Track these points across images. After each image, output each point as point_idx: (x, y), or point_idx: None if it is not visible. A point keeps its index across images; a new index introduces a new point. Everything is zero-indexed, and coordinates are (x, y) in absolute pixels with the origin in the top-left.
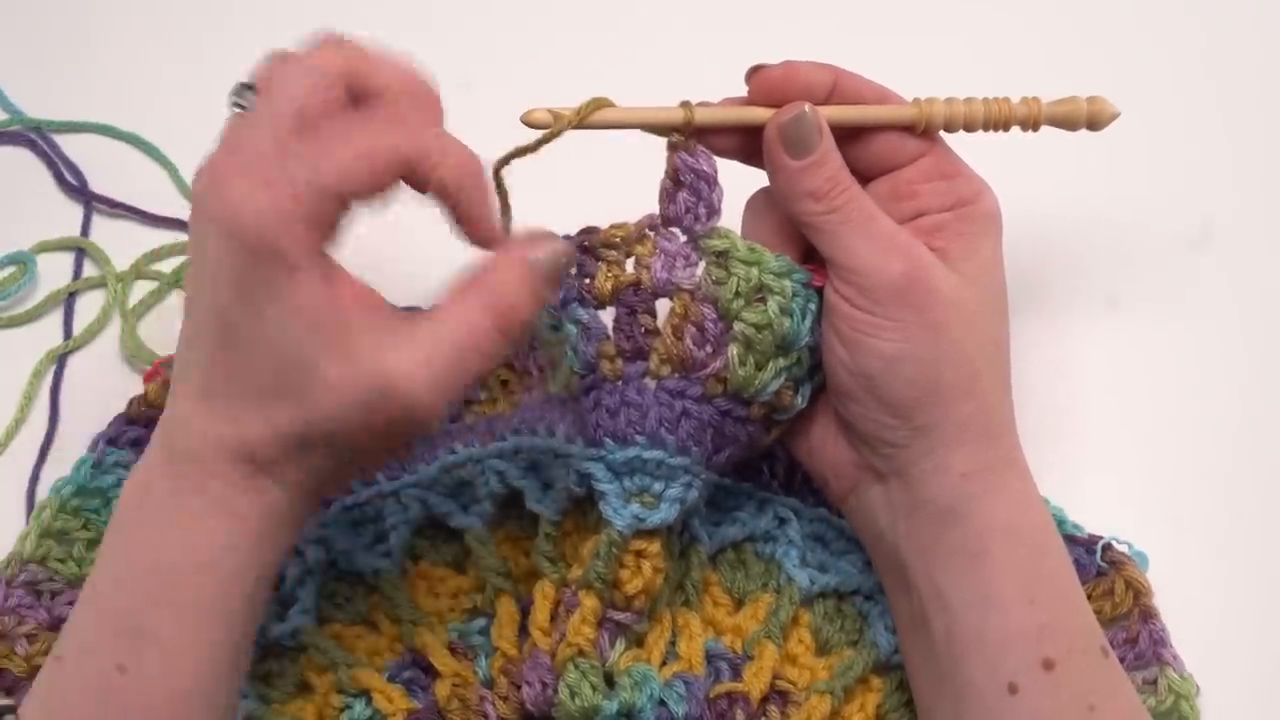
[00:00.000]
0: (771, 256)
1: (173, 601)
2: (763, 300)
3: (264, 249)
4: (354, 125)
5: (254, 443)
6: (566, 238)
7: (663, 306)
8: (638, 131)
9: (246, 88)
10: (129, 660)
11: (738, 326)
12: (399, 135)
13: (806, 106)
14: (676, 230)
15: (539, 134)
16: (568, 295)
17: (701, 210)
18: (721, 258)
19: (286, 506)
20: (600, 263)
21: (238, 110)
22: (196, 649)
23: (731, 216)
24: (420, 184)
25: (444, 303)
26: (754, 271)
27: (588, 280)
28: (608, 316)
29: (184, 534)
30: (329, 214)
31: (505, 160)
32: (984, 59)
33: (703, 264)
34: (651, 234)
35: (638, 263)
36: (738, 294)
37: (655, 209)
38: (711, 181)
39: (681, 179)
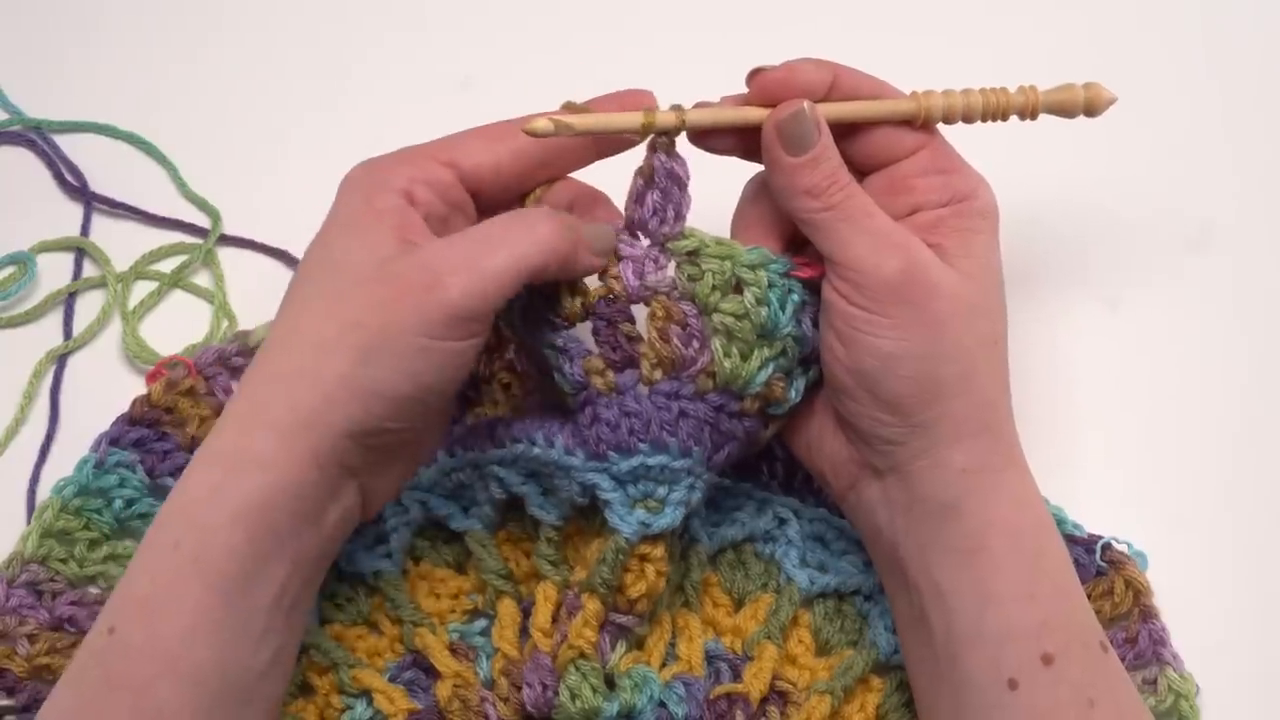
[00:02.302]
0: (743, 249)
1: (155, 552)
2: (739, 291)
3: (376, 189)
4: None
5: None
6: None
7: (638, 313)
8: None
9: None
10: (119, 620)
11: (716, 318)
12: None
13: (805, 104)
14: (637, 235)
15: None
16: (533, 321)
17: (669, 213)
18: (693, 256)
19: (288, 481)
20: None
21: None
22: (177, 604)
23: (719, 220)
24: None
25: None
26: (727, 265)
27: (548, 302)
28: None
29: (179, 485)
30: None
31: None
32: (986, 62)
33: (673, 265)
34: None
35: (604, 273)
36: (714, 288)
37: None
38: (683, 186)
39: (655, 180)
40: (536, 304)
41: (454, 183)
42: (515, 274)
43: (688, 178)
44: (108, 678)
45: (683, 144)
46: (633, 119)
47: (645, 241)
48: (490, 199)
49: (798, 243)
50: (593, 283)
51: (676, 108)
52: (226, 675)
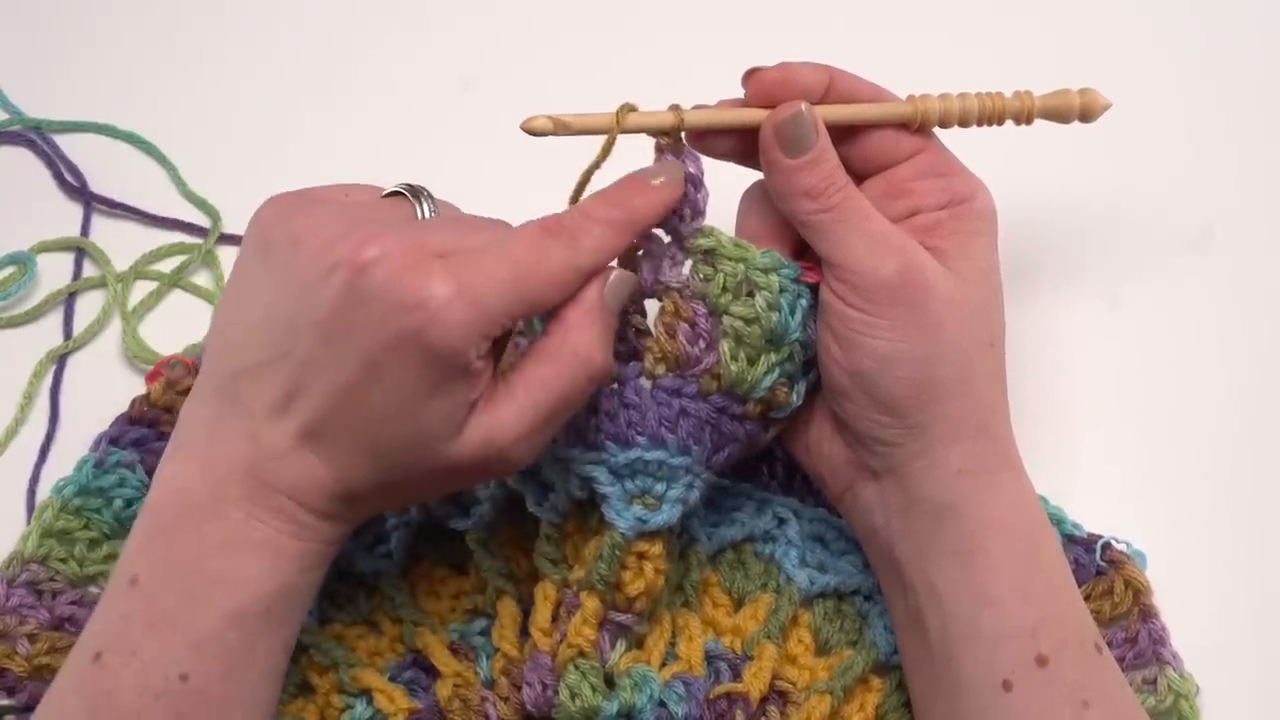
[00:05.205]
0: (758, 252)
1: (247, 620)
2: (751, 295)
3: (449, 360)
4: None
5: (356, 485)
6: None
7: (650, 307)
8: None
9: (430, 197)
10: (193, 669)
11: (726, 320)
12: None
13: (803, 105)
14: (659, 231)
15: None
16: None
17: (686, 211)
18: (708, 255)
19: (349, 530)
20: None
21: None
22: (262, 659)
23: (723, 218)
24: None
25: (533, 364)
26: (740, 267)
27: None
28: None
29: (269, 561)
30: (511, 324)
31: (581, 185)
32: (985, 64)
33: (689, 263)
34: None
35: (622, 266)
36: (725, 289)
37: None
38: (697, 183)
39: None
40: None
41: None
42: (567, 418)
43: (702, 174)
44: (181, 717)
45: None
46: (630, 120)
47: (666, 239)
48: None
49: (802, 250)
50: None
51: (675, 108)
52: (276, 694)
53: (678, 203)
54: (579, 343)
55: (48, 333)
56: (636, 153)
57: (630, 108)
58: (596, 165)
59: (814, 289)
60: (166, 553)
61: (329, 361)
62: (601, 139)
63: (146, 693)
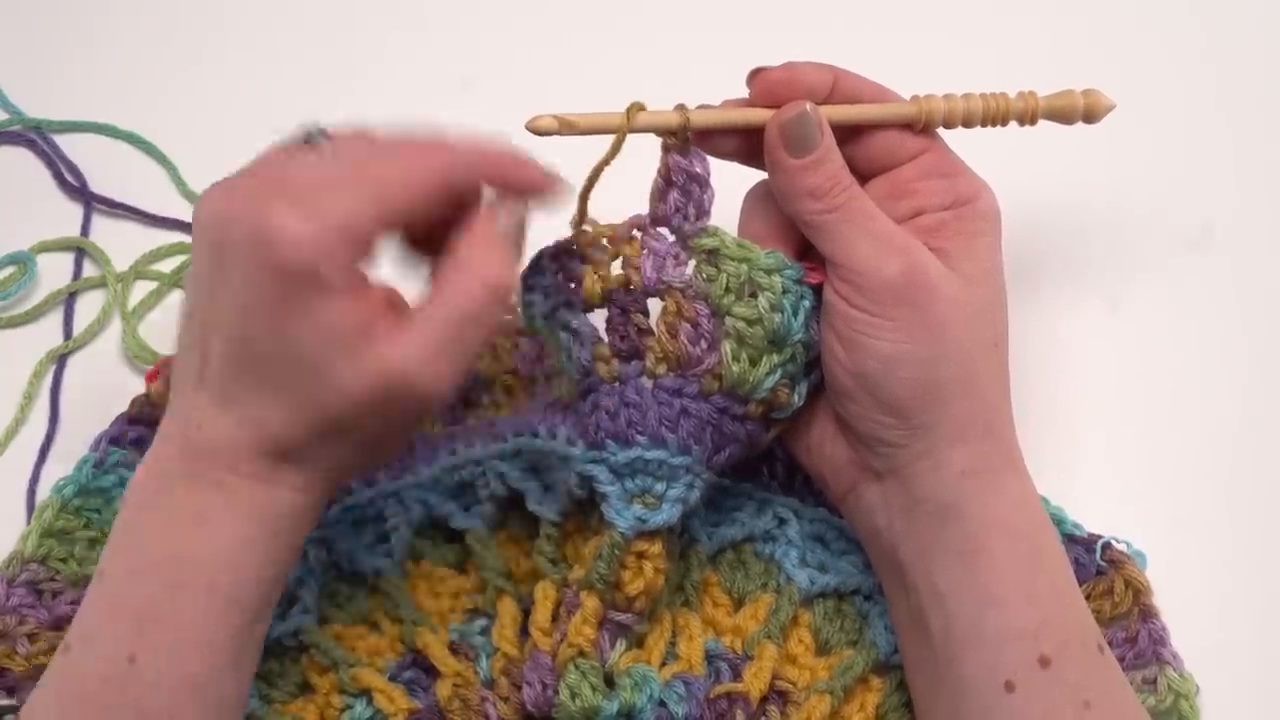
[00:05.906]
0: (762, 253)
1: (188, 592)
2: (754, 296)
3: (302, 275)
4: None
5: (276, 436)
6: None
7: (653, 306)
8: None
9: (322, 133)
10: (140, 649)
11: (729, 321)
12: (438, 158)
13: (808, 105)
14: (664, 230)
15: (552, 143)
16: (555, 301)
17: (691, 211)
18: (712, 255)
19: (304, 501)
20: (586, 265)
21: (302, 144)
22: (209, 639)
23: (727, 218)
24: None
25: (434, 289)
26: (744, 268)
27: (573, 285)
28: (596, 318)
29: (204, 530)
30: (369, 239)
31: (590, 182)
32: (987, 64)
33: (692, 263)
34: (638, 234)
35: (626, 263)
36: (728, 290)
37: (642, 210)
38: (703, 183)
39: (674, 179)
40: (561, 284)
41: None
42: (478, 341)
43: (708, 174)
44: (136, 701)
45: None
46: (637, 120)
47: (671, 238)
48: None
49: (805, 250)
50: (615, 270)
51: (680, 108)
52: (243, 686)
53: (530, 188)
54: (477, 260)
55: (48, 333)
56: (642, 153)
57: (640, 106)
58: (606, 162)
59: (817, 290)
60: (126, 541)
61: (216, 317)
62: (603, 139)
63: (101, 678)
